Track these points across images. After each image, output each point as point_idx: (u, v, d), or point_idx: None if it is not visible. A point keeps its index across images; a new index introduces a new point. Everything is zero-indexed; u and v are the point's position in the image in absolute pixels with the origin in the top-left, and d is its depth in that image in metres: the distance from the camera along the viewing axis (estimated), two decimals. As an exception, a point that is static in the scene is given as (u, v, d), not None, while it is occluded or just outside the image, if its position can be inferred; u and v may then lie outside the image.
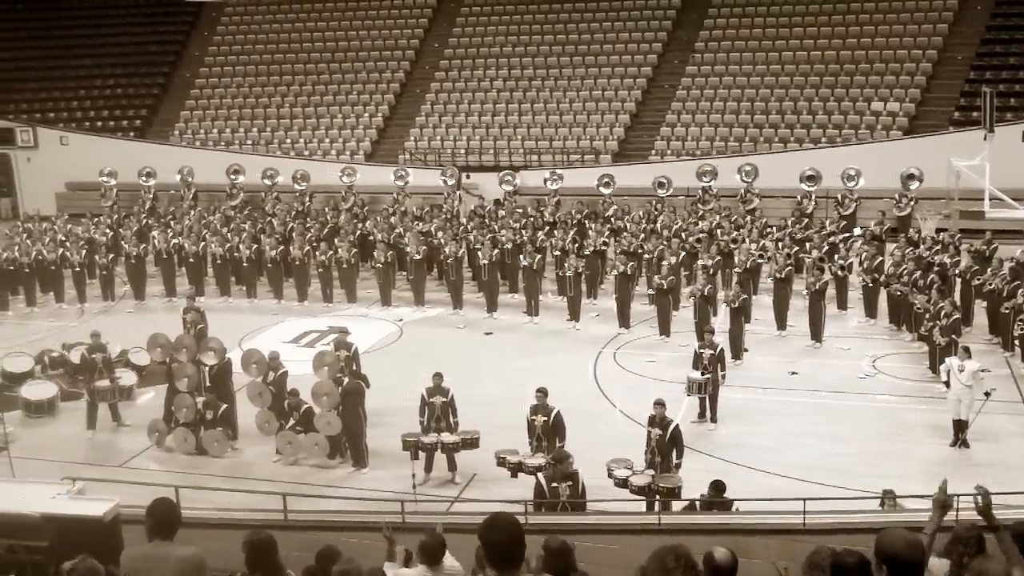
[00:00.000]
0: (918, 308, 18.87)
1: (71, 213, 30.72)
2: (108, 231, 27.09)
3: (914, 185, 26.23)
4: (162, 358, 17.34)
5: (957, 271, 20.69)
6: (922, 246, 22.15)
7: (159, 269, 25.57)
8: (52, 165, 34.78)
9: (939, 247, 21.86)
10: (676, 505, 12.58)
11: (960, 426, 15.24)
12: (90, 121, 37.62)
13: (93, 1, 40.93)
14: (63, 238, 26.27)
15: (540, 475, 12.66)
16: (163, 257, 25.45)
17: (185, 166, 32.25)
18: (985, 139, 24.46)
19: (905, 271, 20.51)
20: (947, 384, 15.87)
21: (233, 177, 31.74)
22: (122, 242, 25.97)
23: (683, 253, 23.15)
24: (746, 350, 19.43)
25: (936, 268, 20.49)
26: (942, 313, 17.45)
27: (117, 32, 40.12)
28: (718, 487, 12.15)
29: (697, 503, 12.22)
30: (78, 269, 24.87)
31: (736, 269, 22.06)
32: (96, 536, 8.49)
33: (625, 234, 24.56)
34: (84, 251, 25.22)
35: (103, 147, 34.69)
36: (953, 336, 17.11)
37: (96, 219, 28.23)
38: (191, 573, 6.11)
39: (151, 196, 31.83)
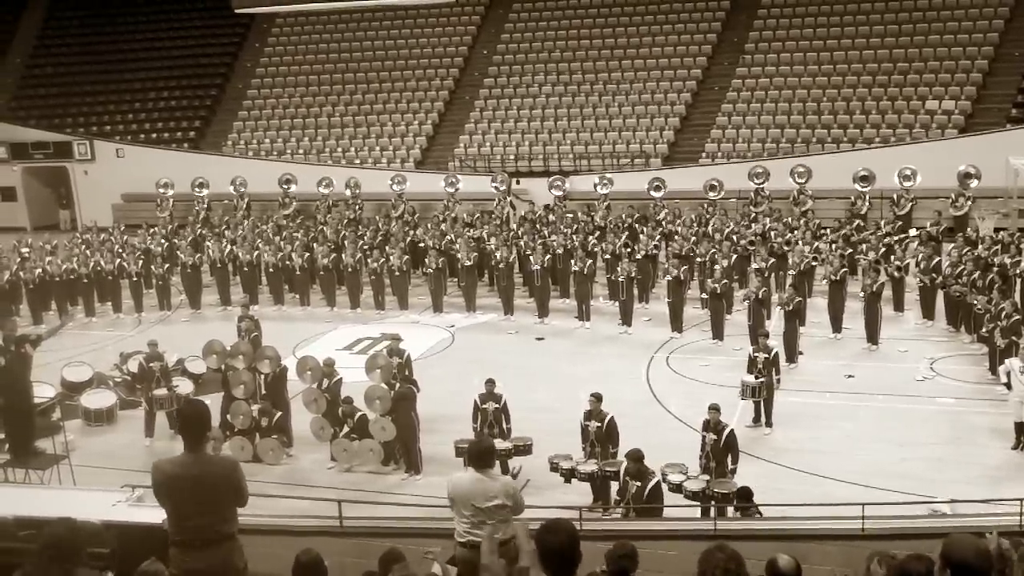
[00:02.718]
0: (978, 309, 18.55)
1: (127, 224, 31.23)
2: (164, 241, 27.48)
3: (971, 184, 25.78)
4: (218, 365, 17.51)
5: (1018, 271, 20.30)
6: (981, 246, 21.76)
7: (214, 278, 25.88)
8: (108, 177, 35.41)
9: (999, 247, 21.47)
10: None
11: (1022, 429, 14.94)
12: (145, 133, 38.26)
13: (147, 16, 41.59)
14: (120, 249, 26.70)
15: (622, 469, 12.77)
16: (217, 266, 25.75)
17: (238, 176, 32.63)
18: (1044, 136, 24.05)
19: (964, 271, 20.18)
20: (1008, 386, 15.56)
21: (285, 186, 32.05)
22: (177, 252, 26.32)
23: (735, 256, 22.96)
24: (801, 353, 19.22)
25: (996, 268, 20.13)
26: (1003, 314, 17.14)
27: (170, 46, 40.76)
28: (743, 495, 12.08)
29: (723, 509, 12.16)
30: (135, 279, 25.23)
31: (790, 271, 21.83)
32: (155, 543, 8.59)
33: (677, 238, 24.44)
34: (141, 261, 25.61)
35: (158, 159, 35.24)
36: (1014, 337, 16.78)
37: (152, 230, 28.65)
38: (227, 475, 6.15)
39: (205, 206, 32.23)
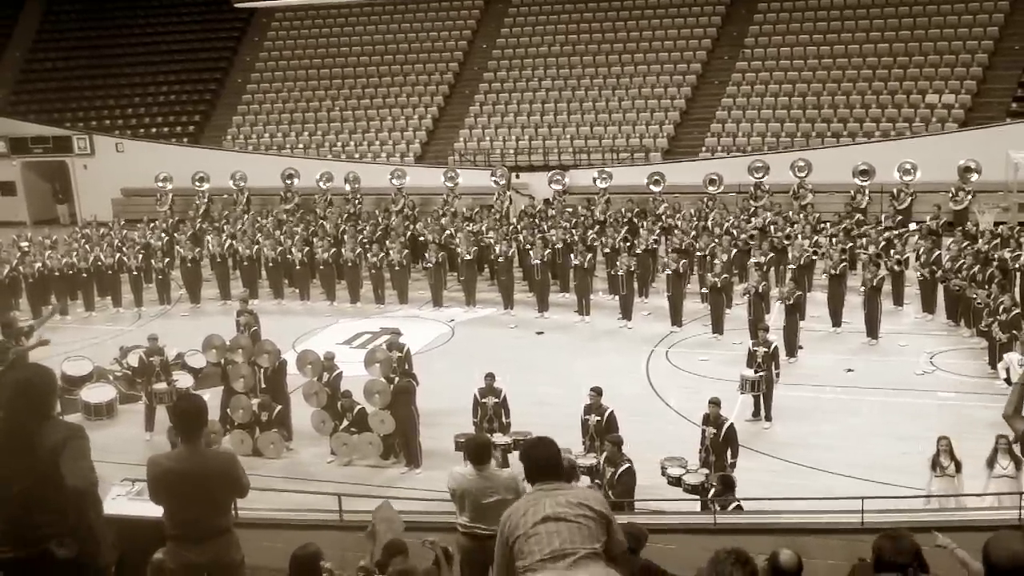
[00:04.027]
0: (978, 303, 18.55)
1: (127, 218, 31.20)
2: (164, 236, 27.46)
3: (971, 178, 25.75)
4: (217, 360, 17.51)
5: (1017, 265, 20.30)
6: (981, 240, 21.76)
7: (214, 273, 25.87)
8: (108, 171, 35.35)
9: (998, 241, 21.46)
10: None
11: (1022, 423, 14.92)
12: (144, 128, 38.19)
13: (146, 10, 41.50)
14: (120, 243, 26.66)
15: (603, 458, 12.76)
16: (217, 261, 25.73)
17: (237, 170, 32.60)
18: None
19: (963, 266, 20.18)
20: (1007, 381, 15.57)
21: (288, 181, 32.03)
22: (177, 247, 26.30)
23: (735, 250, 22.96)
24: (801, 347, 19.22)
25: (996, 262, 20.13)
26: (1002, 308, 17.14)
27: (169, 40, 40.67)
28: (725, 482, 12.13)
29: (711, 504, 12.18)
30: (135, 273, 25.21)
31: (790, 265, 21.83)
32: (156, 536, 8.60)
33: (676, 232, 24.42)
34: (140, 256, 25.59)
35: (157, 153, 35.18)
36: (1013, 332, 16.79)
37: (152, 224, 28.63)
38: (225, 470, 6.08)
39: (206, 201, 32.20)
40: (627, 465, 12.37)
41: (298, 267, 25.20)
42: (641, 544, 7.04)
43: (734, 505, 11.84)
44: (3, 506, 4.97)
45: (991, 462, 12.09)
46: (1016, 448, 11.92)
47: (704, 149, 31.49)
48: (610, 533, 4.82)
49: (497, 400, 14.98)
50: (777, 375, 16.64)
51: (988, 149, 25.76)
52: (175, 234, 27.87)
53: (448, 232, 25.82)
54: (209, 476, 5.93)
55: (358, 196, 30.84)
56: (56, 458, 4.96)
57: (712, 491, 12.23)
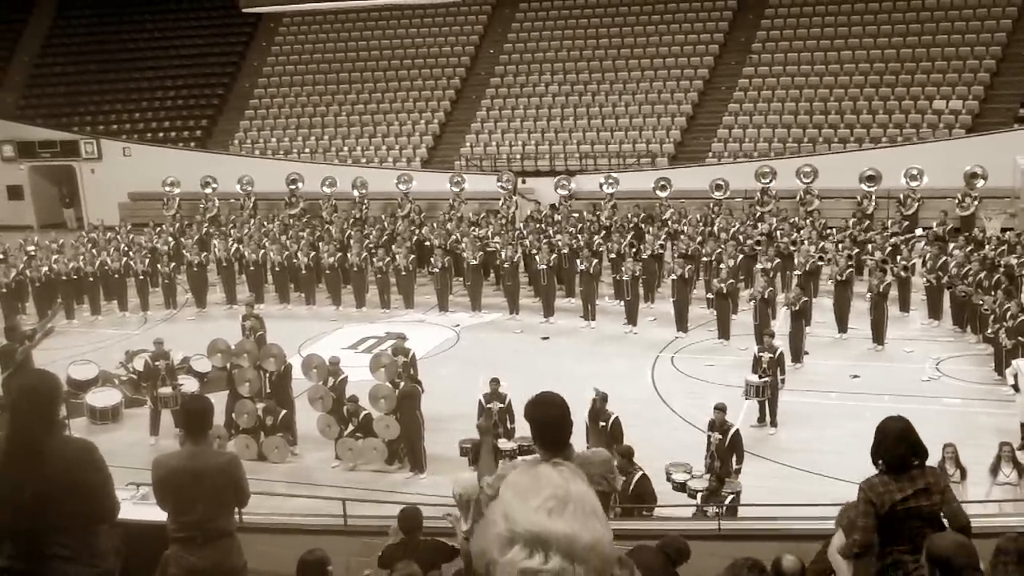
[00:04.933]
0: (984, 309, 18.51)
1: (134, 223, 31.27)
2: (170, 240, 27.51)
3: (978, 184, 25.71)
4: (222, 364, 17.53)
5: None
6: (987, 246, 21.72)
7: (220, 277, 25.91)
8: (115, 176, 35.41)
9: (1005, 247, 21.42)
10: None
11: (1029, 429, 14.89)
12: (152, 132, 38.28)
13: (154, 15, 41.61)
14: (126, 247, 26.74)
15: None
16: (223, 265, 25.77)
17: (244, 175, 32.65)
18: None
19: (970, 272, 20.14)
20: (1015, 388, 15.52)
21: (292, 186, 32.05)
22: (183, 251, 26.36)
23: (741, 256, 22.93)
24: (807, 353, 19.19)
25: (1002, 268, 20.09)
26: (1008, 314, 17.10)
27: (177, 45, 40.76)
28: (719, 479, 12.16)
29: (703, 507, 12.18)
30: (141, 278, 25.26)
31: (796, 271, 21.80)
32: (160, 541, 8.60)
33: (682, 237, 24.42)
34: (147, 260, 25.62)
35: (165, 158, 35.26)
36: (1020, 338, 16.74)
37: (158, 228, 28.70)
38: (229, 469, 6.08)
39: (216, 207, 32.25)
40: (641, 472, 12.35)
41: (304, 272, 25.22)
42: (681, 559, 7.01)
43: (729, 499, 11.83)
44: (11, 511, 4.95)
45: (994, 469, 12.06)
46: (1020, 456, 11.88)
47: (711, 155, 31.47)
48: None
49: (502, 405, 14.98)
50: (782, 381, 16.61)
51: (995, 155, 25.71)
52: (181, 238, 27.93)
53: (454, 237, 25.83)
54: (214, 474, 5.94)
55: (365, 201, 30.86)
56: (73, 476, 4.94)
57: (702, 491, 12.25)
